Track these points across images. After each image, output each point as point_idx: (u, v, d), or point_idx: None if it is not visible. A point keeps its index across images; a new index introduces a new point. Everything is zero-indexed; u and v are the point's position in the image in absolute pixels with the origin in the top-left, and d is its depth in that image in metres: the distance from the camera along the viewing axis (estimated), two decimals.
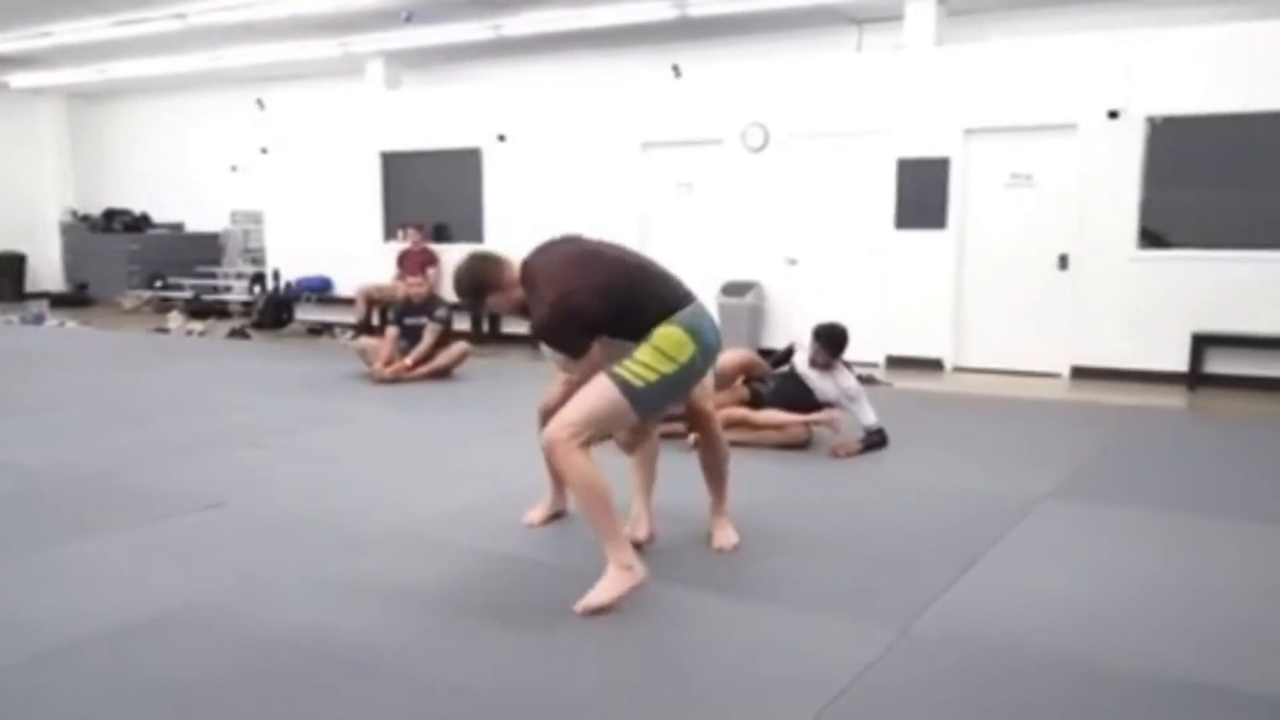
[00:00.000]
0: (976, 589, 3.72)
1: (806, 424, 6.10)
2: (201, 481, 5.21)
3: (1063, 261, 9.00)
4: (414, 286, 8.74)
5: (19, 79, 15.41)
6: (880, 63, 9.91)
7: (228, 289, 15.01)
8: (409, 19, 11.48)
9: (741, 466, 5.54)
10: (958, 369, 9.49)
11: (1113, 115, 8.60)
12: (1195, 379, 8.39)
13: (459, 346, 8.69)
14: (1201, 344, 8.38)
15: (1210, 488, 5.23)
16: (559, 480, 4.23)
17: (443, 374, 8.54)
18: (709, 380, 4.09)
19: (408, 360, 8.43)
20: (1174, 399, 8.04)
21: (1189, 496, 5.04)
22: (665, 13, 10.83)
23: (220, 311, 14.21)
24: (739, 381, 6.40)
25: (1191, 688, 2.94)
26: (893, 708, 2.82)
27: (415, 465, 5.61)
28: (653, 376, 3.43)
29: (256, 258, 15.22)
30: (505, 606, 3.55)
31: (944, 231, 9.39)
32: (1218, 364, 8.42)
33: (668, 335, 3.47)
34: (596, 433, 3.49)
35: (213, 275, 15.47)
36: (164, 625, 3.38)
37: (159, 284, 15.33)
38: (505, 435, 6.07)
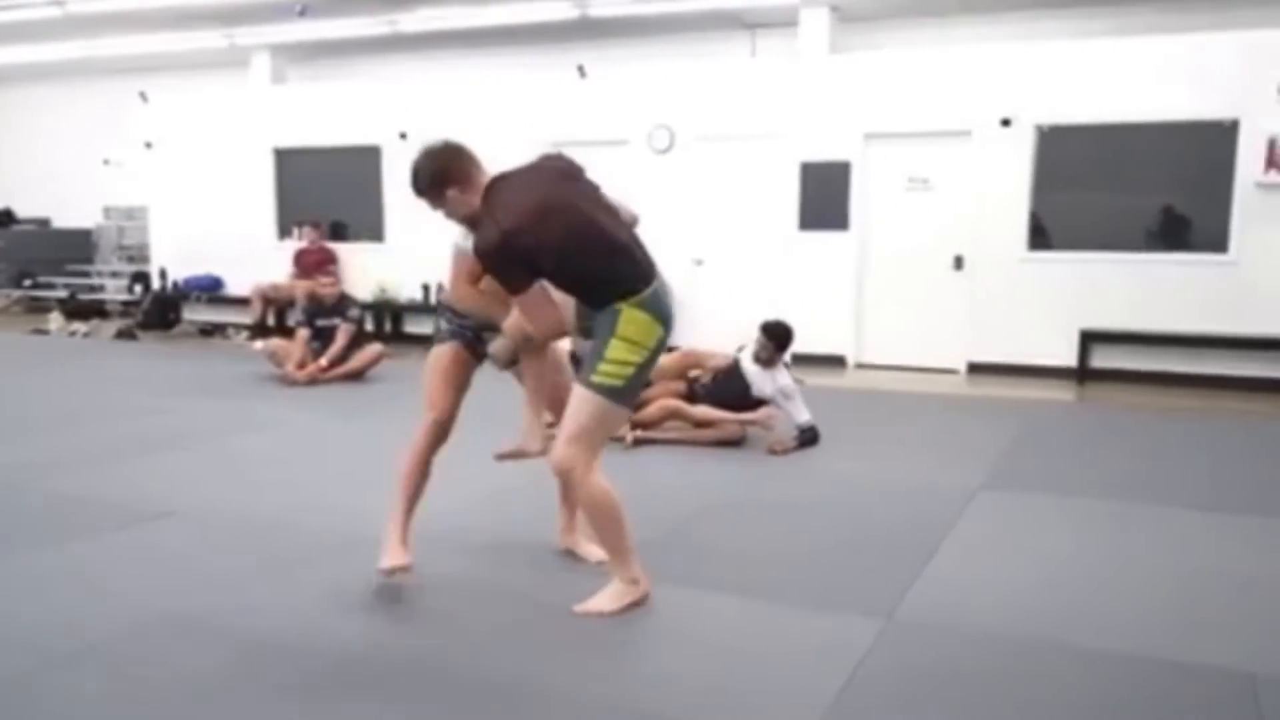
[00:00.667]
0: (943, 577, 3.93)
1: (742, 423, 6.27)
2: (141, 489, 5.08)
3: (958, 262, 9.41)
4: (325, 287, 8.60)
5: None
6: (784, 68, 10.17)
7: (102, 288, 14.42)
8: (303, 12, 11.25)
9: (683, 466, 5.75)
10: (860, 365, 9.83)
11: (1005, 123, 9.04)
12: (1084, 373, 8.88)
13: (373, 348, 8.60)
14: (1089, 340, 8.88)
15: (1120, 474, 5.60)
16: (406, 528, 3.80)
17: (356, 376, 8.45)
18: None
19: (323, 361, 8.31)
20: (1065, 392, 8.51)
21: (1104, 483, 5.39)
22: (565, 13, 10.89)
23: (99, 311, 13.66)
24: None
25: (1160, 663, 3.19)
26: (899, 695, 2.98)
27: (351, 468, 5.54)
28: (629, 371, 3.35)
29: (133, 255, 14.68)
30: (490, 602, 3.60)
31: (846, 233, 9.70)
32: (1103, 359, 8.93)
33: (634, 321, 3.32)
34: (600, 442, 3.48)
35: (86, 274, 14.84)
36: (148, 634, 3.32)
37: (28, 283, 14.63)
38: None
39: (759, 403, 6.33)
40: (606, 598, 3.54)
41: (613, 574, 3.58)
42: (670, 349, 6.59)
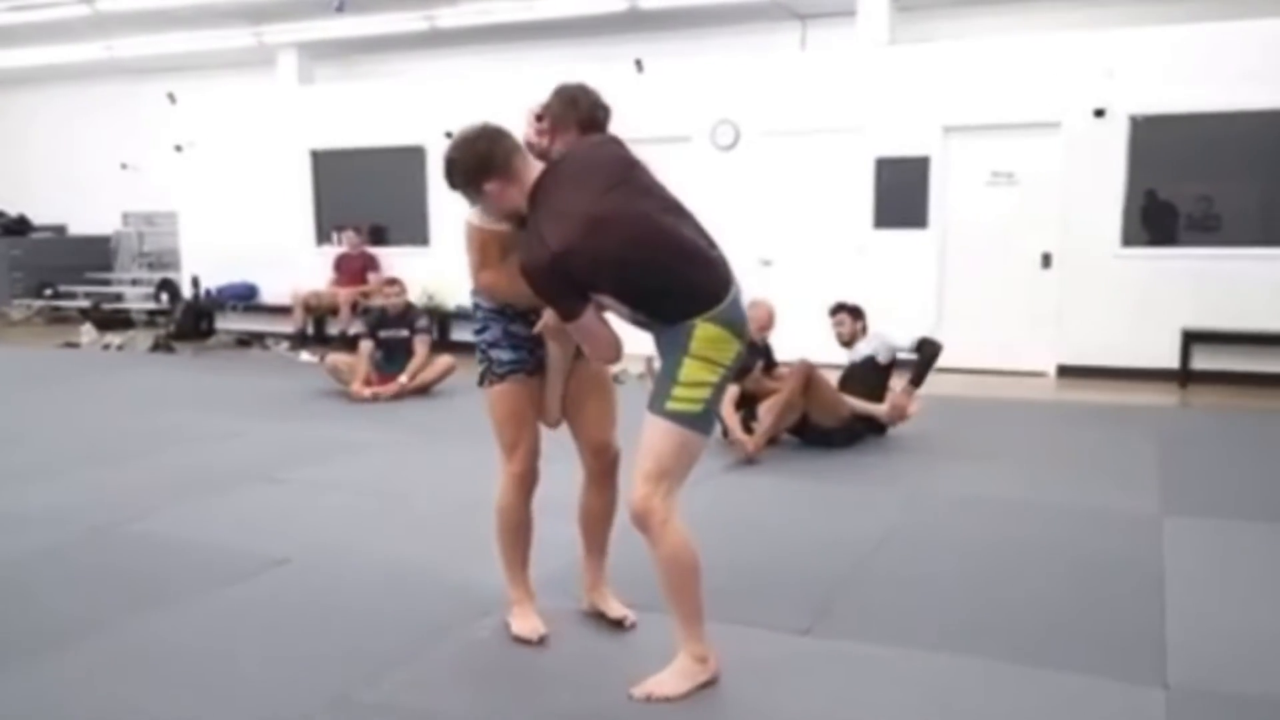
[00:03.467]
0: (1193, 628, 3.47)
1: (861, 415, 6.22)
2: (242, 530, 4.61)
3: (1046, 260, 8.97)
4: (392, 296, 8.09)
5: None
6: (847, 59, 9.72)
7: (122, 296, 13.91)
8: (341, 7, 10.78)
9: (798, 491, 5.28)
10: (939, 369, 9.35)
11: (1098, 114, 8.59)
12: (1186, 375, 8.44)
13: (444, 360, 8.11)
14: (1190, 340, 8.44)
15: None
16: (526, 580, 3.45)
17: (424, 390, 7.96)
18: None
19: (403, 379, 7.81)
20: (1168, 396, 8.08)
21: None
22: (614, 4, 10.45)
23: (125, 321, 13.15)
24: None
25: None
26: None
27: (467, 501, 4.69)
28: (705, 393, 2.86)
29: (154, 262, 14.18)
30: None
31: (924, 230, 9.26)
32: (1205, 360, 8.48)
33: (710, 338, 2.83)
34: (682, 480, 2.95)
35: (106, 282, 14.33)
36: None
37: (49, 292, 14.11)
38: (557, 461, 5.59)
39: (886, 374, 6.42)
40: (672, 677, 2.96)
41: (680, 645, 2.98)
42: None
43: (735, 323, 2.88)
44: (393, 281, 8.10)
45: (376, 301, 8.51)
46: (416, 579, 3.94)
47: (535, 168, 2.96)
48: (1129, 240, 8.72)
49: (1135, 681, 3.07)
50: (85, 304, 13.59)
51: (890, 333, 6.39)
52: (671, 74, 10.22)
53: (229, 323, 12.08)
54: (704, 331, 2.82)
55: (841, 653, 3.30)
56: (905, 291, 9.31)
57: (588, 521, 3.45)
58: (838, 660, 3.25)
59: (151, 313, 13.04)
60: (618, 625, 3.40)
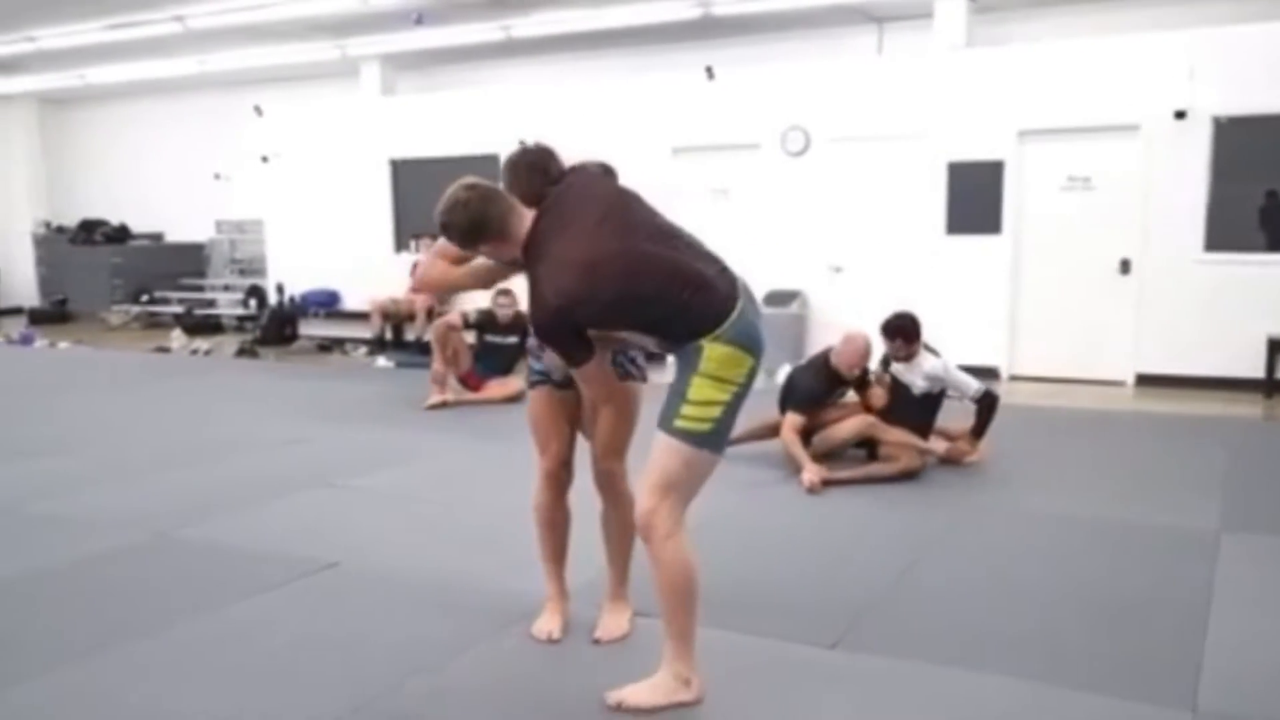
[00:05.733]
0: (1233, 652, 3.36)
1: (924, 452, 5.76)
2: (296, 535, 4.74)
3: (1125, 266, 8.73)
4: (503, 307, 8.11)
5: None
6: (926, 63, 9.59)
7: (215, 302, 14.38)
8: (420, 20, 11.01)
9: (861, 505, 5.21)
10: (1014, 377, 9.21)
11: (1179, 116, 8.34)
12: (1271, 385, 8.15)
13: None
14: (1276, 349, 8.13)
15: None
16: (560, 578, 3.56)
17: (516, 399, 7.89)
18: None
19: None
20: (1252, 407, 7.81)
21: None
22: (687, 11, 10.45)
23: (215, 327, 13.58)
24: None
25: None
26: None
27: (519, 510, 5.07)
28: (716, 412, 2.83)
29: (246, 269, 14.63)
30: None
31: (998, 236, 9.10)
32: None
33: (719, 357, 2.81)
34: (690, 496, 2.94)
35: (200, 288, 14.82)
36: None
37: (145, 298, 14.65)
38: None
39: (933, 407, 5.89)
40: (649, 690, 2.97)
41: (666, 661, 2.97)
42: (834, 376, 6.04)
43: (744, 339, 2.85)
44: (505, 292, 8.09)
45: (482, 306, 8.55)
46: (456, 587, 4.01)
47: (528, 218, 2.98)
48: (1212, 245, 8.44)
49: (1163, 704, 3.00)
50: (179, 309, 14.07)
51: (958, 376, 5.85)
52: (742, 81, 10.21)
53: (311, 328, 12.39)
54: (712, 351, 2.81)
55: (866, 668, 3.28)
56: (978, 299, 9.16)
57: (603, 531, 3.51)
58: (861, 675, 3.24)
59: (240, 318, 13.46)
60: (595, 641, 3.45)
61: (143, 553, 4.53)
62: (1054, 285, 9.02)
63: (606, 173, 3.30)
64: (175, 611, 3.79)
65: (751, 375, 2.90)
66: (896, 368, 5.96)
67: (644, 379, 3.37)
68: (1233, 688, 3.11)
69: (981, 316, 9.18)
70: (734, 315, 2.85)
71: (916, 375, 5.86)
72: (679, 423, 2.84)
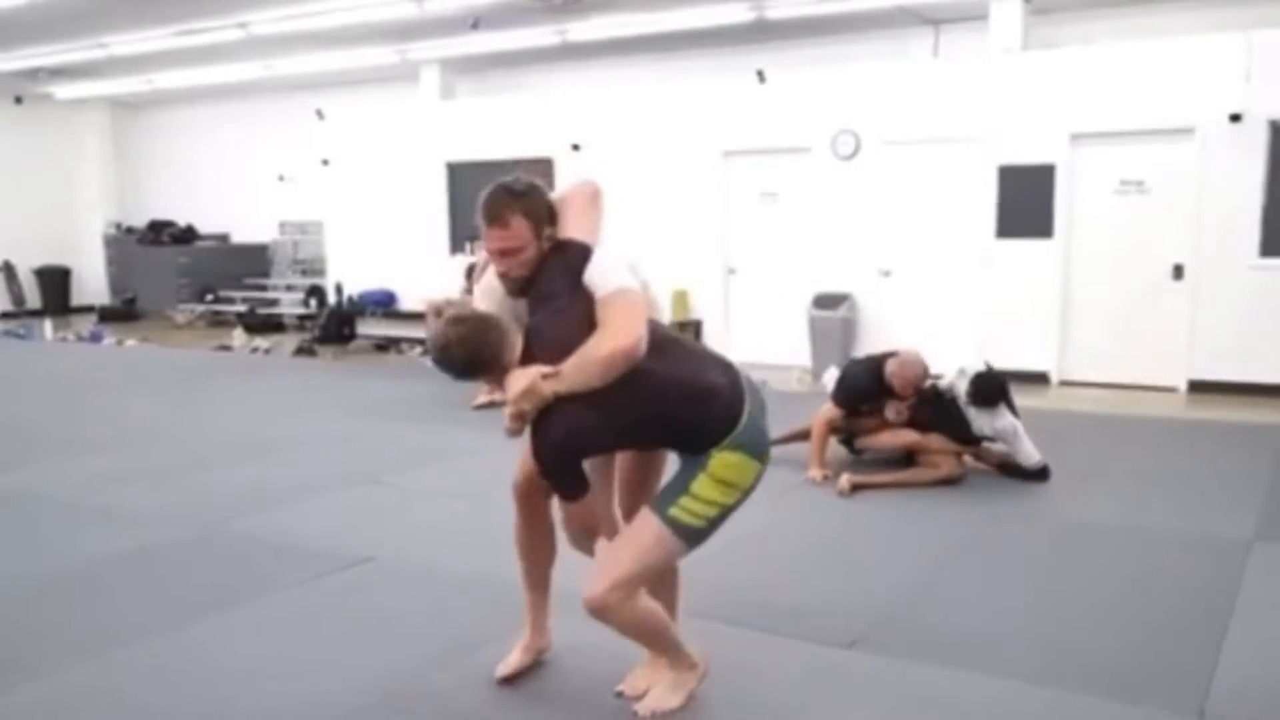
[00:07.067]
0: (1248, 660, 3.37)
1: (961, 456, 5.75)
2: (337, 529, 4.90)
3: (1178, 271, 8.62)
4: None
5: (65, 90, 15.12)
6: (978, 66, 9.54)
7: (278, 301, 14.72)
8: (476, 25, 11.17)
9: (899, 509, 5.24)
10: (1064, 382, 9.13)
11: (1234, 119, 8.22)
12: None
13: None
14: None
15: None
16: (538, 610, 3.32)
17: None
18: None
19: None
20: None
21: None
22: (740, 15, 10.48)
23: (277, 326, 13.91)
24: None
25: None
26: None
27: None
28: (714, 512, 2.77)
29: (308, 269, 14.95)
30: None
31: (1049, 240, 9.02)
32: None
33: (729, 465, 2.75)
34: (647, 583, 2.88)
35: (263, 288, 15.18)
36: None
37: (210, 297, 15.04)
38: None
39: (981, 439, 5.79)
40: (670, 691, 3.03)
41: (668, 665, 3.05)
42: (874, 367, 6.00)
43: (753, 446, 2.79)
44: None
45: None
46: (482, 582, 4.10)
47: (518, 337, 2.82)
48: (1268, 250, 8.30)
49: (1171, 710, 3.02)
50: (242, 308, 14.43)
51: (1025, 444, 5.61)
52: (793, 84, 10.24)
53: (369, 328, 12.64)
54: (722, 459, 2.74)
55: (881, 669, 3.34)
56: (1028, 303, 9.10)
57: None
58: (876, 676, 3.29)
59: (301, 317, 13.76)
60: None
61: (190, 546, 4.71)
62: (1105, 290, 8.92)
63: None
64: (215, 602, 3.96)
65: (757, 480, 2.83)
66: (968, 409, 5.70)
67: None
68: (1242, 696, 3.12)
69: (1031, 321, 9.11)
70: (743, 421, 2.77)
71: (985, 422, 5.68)
72: (674, 511, 2.77)
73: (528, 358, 2.75)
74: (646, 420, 2.73)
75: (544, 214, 2.87)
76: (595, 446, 2.83)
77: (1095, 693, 3.14)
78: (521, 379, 2.68)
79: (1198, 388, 8.57)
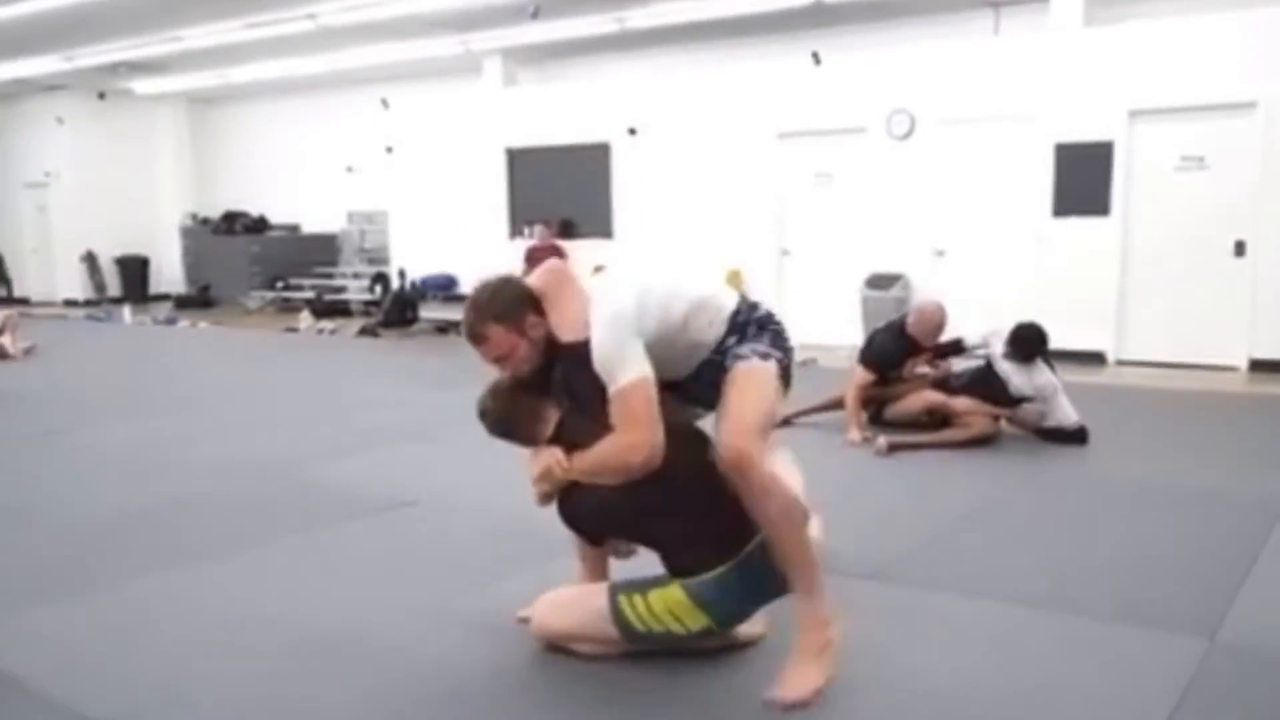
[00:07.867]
0: (1267, 596, 3.37)
1: (996, 417, 5.76)
2: (387, 477, 5.12)
3: (1239, 248, 8.48)
4: None
5: (143, 85, 15.63)
6: (1035, 43, 9.48)
7: (345, 288, 15.06)
8: (535, 14, 11.34)
9: (937, 469, 5.27)
10: (1121, 362, 9.02)
11: None
12: None
13: None
14: None
15: None
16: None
17: None
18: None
19: None
20: None
21: None
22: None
23: (344, 311, 14.23)
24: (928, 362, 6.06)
25: None
26: None
27: None
28: (660, 628, 2.82)
29: (373, 257, 15.27)
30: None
31: (1107, 218, 8.93)
32: None
33: (677, 601, 2.80)
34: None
35: (330, 275, 15.53)
36: (401, 625, 3.19)
37: (280, 285, 15.44)
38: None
39: (1018, 400, 5.78)
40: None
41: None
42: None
43: (712, 603, 2.76)
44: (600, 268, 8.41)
45: None
46: (519, 522, 4.22)
47: (554, 411, 2.97)
48: None
49: (1182, 633, 3.04)
50: (310, 295, 14.79)
51: (1063, 402, 5.64)
52: (848, 65, 10.25)
53: (431, 312, 12.87)
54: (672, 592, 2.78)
55: (898, 595, 3.41)
56: (1085, 282, 9.01)
57: None
58: (892, 601, 3.36)
59: (366, 303, 14.07)
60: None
61: (254, 489, 5.00)
62: (1164, 268, 8.81)
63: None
64: (273, 531, 4.24)
65: (707, 634, 2.84)
66: (1004, 366, 5.71)
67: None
68: (1254, 624, 3.13)
69: (1088, 300, 9.02)
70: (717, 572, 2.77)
71: (1025, 379, 5.65)
72: (623, 601, 2.85)
73: (558, 439, 2.91)
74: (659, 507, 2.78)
75: (518, 307, 2.87)
76: (615, 524, 2.94)
77: (1109, 620, 3.16)
78: (540, 462, 2.88)
79: (1259, 366, 8.42)
